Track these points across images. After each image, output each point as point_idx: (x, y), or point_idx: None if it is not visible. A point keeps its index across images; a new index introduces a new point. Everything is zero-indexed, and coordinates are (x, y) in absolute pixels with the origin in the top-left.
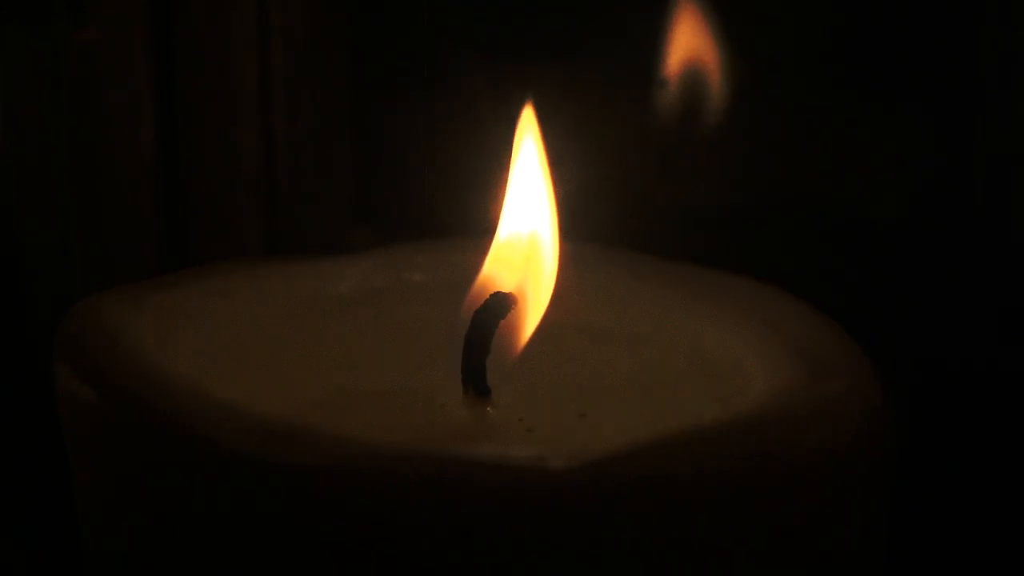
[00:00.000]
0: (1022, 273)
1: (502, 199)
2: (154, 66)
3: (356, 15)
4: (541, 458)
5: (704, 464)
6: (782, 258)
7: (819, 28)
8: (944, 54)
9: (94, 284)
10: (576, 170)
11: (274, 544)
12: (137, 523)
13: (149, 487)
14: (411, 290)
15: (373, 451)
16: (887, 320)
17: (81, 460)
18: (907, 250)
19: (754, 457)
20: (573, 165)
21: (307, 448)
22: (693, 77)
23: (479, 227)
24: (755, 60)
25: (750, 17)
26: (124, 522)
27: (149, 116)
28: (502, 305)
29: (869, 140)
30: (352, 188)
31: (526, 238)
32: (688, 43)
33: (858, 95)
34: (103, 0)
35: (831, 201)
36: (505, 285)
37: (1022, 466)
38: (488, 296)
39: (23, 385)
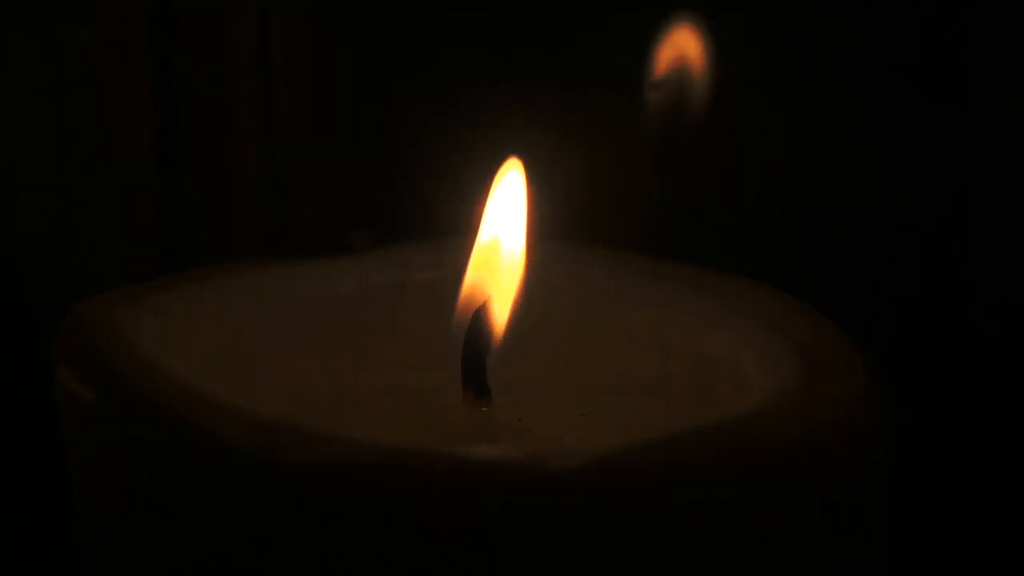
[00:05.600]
0: (1019, 271)
1: (484, 204)
2: (154, 66)
3: (356, 15)
4: (541, 458)
5: (703, 464)
6: (780, 257)
7: (816, 28)
8: (940, 53)
9: (94, 284)
10: (576, 170)
11: (274, 544)
12: (137, 523)
13: (149, 487)
14: (411, 290)
15: (373, 451)
16: (886, 320)
17: (81, 460)
18: (907, 250)
19: (754, 457)
20: (573, 165)
21: (307, 448)
22: (688, 77)
23: (479, 227)
24: (752, 60)
25: (745, 17)
26: (123, 522)
27: (149, 116)
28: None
29: (868, 139)
30: (352, 188)
31: (498, 242)
32: (680, 44)
33: (856, 94)
34: (103, 0)
35: (830, 201)
36: (488, 287)
37: (1021, 465)
38: (485, 298)
39: (23, 385)
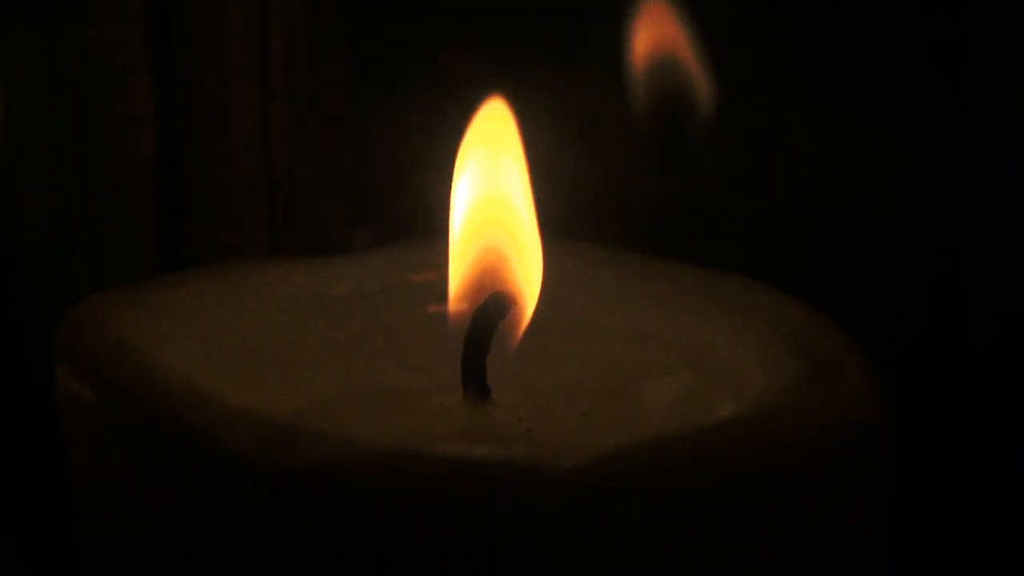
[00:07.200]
0: (1019, 271)
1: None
2: (154, 66)
3: (356, 15)
4: (541, 458)
5: (704, 464)
6: (781, 257)
7: (814, 27)
8: (940, 53)
9: (94, 284)
10: (576, 170)
11: (273, 544)
12: (136, 523)
13: (149, 487)
14: (411, 290)
15: (373, 451)
16: (887, 320)
17: (81, 460)
18: (907, 249)
19: (754, 457)
20: (573, 165)
21: (307, 448)
22: (685, 76)
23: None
24: (750, 59)
25: (746, 15)
26: (124, 522)
27: (149, 116)
28: (502, 305)
29: (868, 139)
30: (352, 188)
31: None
32: (664, 42)
33: (856, 94)
34: (103, 0)
35: (830, 201)
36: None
37: (1021, 465)
38: (486, 296)
39: (23, 385)
